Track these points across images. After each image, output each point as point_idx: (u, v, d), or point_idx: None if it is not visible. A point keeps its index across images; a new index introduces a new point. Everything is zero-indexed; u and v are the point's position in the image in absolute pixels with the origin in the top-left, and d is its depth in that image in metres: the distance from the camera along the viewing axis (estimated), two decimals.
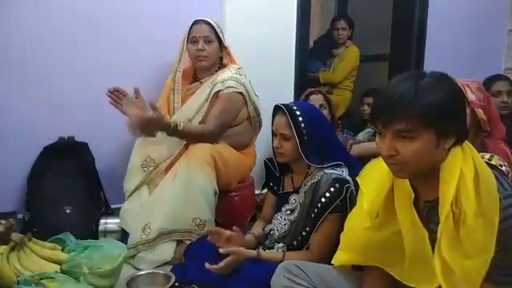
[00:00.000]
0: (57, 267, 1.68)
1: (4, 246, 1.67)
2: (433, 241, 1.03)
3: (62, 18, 2.20)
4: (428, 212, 1.09)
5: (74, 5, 2.21)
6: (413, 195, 1.08)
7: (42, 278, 1.56)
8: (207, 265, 1.53)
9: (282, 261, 1.42)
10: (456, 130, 1.01)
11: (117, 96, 1.96)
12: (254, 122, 2.24)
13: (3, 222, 2.11)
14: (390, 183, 1.15)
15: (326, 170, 1.53)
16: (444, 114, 0.98)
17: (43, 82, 2.21)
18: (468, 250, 0.97)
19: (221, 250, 1.55)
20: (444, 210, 0.99)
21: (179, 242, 1.96)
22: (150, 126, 1.86)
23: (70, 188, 2.19)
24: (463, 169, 1.00)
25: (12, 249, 1.68)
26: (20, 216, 2.18)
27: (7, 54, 2.14)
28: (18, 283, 1.53)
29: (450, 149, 1.02)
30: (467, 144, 1.06)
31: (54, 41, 2.20)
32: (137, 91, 1.93)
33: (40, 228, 2.05)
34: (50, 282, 1.55)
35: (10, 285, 1.54)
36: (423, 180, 1.07)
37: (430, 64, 3.01)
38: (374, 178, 1.20)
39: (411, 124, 0.97)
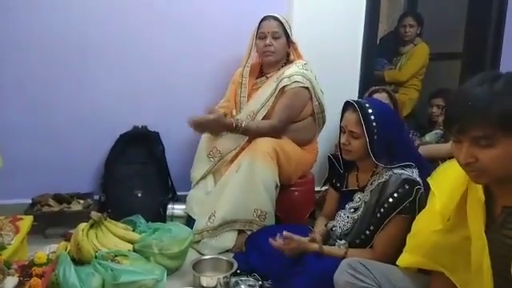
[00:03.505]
0: (129, 246, 1.82)
1: (84, 224, 1.82)
2: (506, 246, 0.99)
3: (138, 14, 2.34)
4: (505, 218, 1.04)
5: (150, 2, 2.34)
6: (482, 201, 1.05)
7: (116, 255, 1.70)
8: (271, 240, 1.58)
9: (344, 257, 1.43)
10: None
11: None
12: (318, 119, 2.24)
13: (82, 201, 2.32)
14: (465, 186, 1.11)
15: (396, 170, 1.49)
16: None
17: (120, 75, 2.38)
18: None
19: (285, 233, 1.57)
20: None
21: (240, 232, 2.03)
22: (212, 127, 1.99)
23: (141, 174, 2.34)
24: None
25: (91, 226, 1.83)
26: (96, 197, 2.38)
27: (90, 50, 2.32)
28: (96, 258, 1.66)
29: None
30: None
31: (130, 36, 2.35)
32: (210, 111, 2.03)
33: (114, 209, 2.21)
34: (124, 259, 1.68)
35: (89, 259, 1.68)
36: (502, 185, 1.02)
37: (508, 64, 2.82)
38: (448, 180, 1.17)
39: (489, 131, 0.93)
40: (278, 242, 1.60)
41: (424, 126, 2.84)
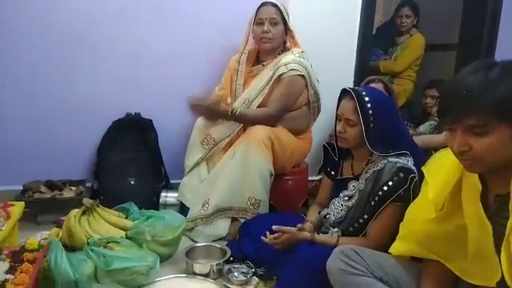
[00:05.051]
0: (122, 233, 1.80)
1: (76, 210, 1.80)
2: (501, 235, 0.99)
3: (134, 1, 2.30)
4: (498, 206, 1.04)
5: None
6: (480, 188, 1.05)
7: (108, 242, 1.68)
8: (262, 237, 1.59)
9: (336, 245, 1.43)
10: None
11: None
12: (313, 107, 2.23)
13: (74, 188, 2.30)
14: (458, 175, 1.12)
15: (391, 159, 1.48)
16: None
17: (114, 62, 2.35)
18: None
19: (274, 227, 1.58)
20: None
21: (234, 220, 2.03)
22: (206, 113, 2.00)
23: (134, 161, 2.32)
24: None
25: (83, 213, 1.82)
26: (89, 184, 2.36)
27: (83, 36, 2.28)
28: (88, 244, 1.65)
29: None
30: None
31: (125, 23, 2.32)
32: (205, 97, 2.05)
33: (106, 196, 2.20)
34: (116, 246, 1.67)
35: (81, 245, 1.67)
36: (496, 174, 1.02)
37: (503, 55, 2.82)
38: (442, 169, 1.17)
39: (483, 119, 0.93)
40: (268, 238, 1.60)
41: (418, 117, 2.84)
